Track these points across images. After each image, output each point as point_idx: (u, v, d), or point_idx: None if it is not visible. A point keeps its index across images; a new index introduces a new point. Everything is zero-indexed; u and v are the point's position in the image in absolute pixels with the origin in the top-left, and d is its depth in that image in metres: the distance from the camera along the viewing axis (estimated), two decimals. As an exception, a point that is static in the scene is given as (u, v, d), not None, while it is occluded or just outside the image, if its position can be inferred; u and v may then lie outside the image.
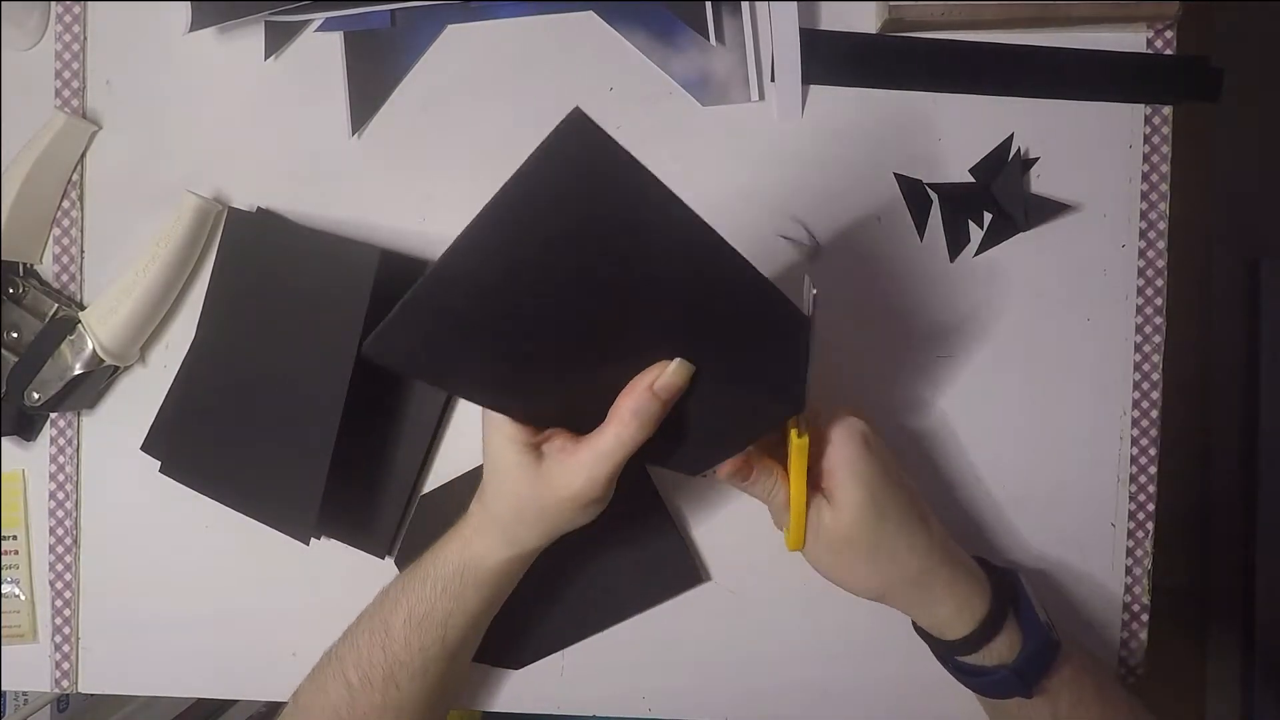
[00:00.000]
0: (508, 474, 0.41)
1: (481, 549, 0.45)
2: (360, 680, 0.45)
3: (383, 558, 0.54)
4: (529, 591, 0.49)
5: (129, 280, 0.52)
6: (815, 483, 0.44)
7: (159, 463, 0.55)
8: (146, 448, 0.55)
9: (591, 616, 0.54)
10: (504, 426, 0.41)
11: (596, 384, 0.39)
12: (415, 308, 0.33)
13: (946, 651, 0.45)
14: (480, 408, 0.41)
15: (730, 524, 0.53)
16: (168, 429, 0.54)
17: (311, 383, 0.50)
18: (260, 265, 0.52)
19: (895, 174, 0.52)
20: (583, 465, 0.40)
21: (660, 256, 0.36)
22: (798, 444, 0.43)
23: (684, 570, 0.53)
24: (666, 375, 0.38)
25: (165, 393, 0.55)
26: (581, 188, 0.33)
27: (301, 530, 0.50)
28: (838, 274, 0.52)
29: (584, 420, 0.40)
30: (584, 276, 0.34)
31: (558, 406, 0.40)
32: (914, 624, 0.48)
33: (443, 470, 0.54)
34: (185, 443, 0.53)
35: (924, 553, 0.44)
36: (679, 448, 0.42)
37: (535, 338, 0.36)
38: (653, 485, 0.53)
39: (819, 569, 0.46)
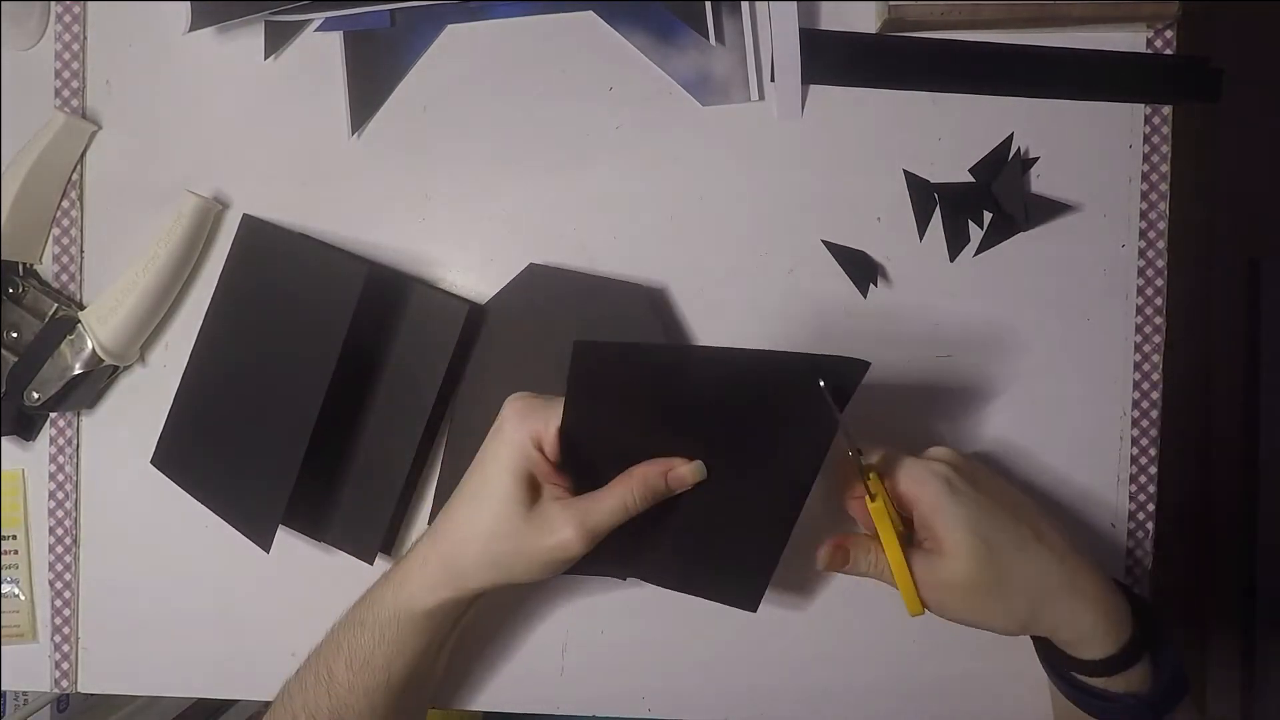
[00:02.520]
0: (491, 505, 0.41)
1: (418, 589, 0.43)
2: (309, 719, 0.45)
3: (370, 562, 0.54)
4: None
5: (129, 280, 0.52)
6: (913, 535, 0.43)
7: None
8: (156, 458, 0.55)
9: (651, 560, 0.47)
10: (514, 454, 0.41)
11: (628, 459, 0.42)
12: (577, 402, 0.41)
13: (1075, 669, 0.43)
14: (497, 428, 0.43)
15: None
16: (168, 430, 0.54)
17: (291, 393, 0.50)
18: (259, 273, 0.52)
19: (905, 171, 0.52)
20: (578, 516, 0.40)
21: (705, 388, 0.41)
22: (874, 509, 0.42)
23: (749, 591, 0.46)
24: (683, 469, 0.42)
25: (164, 392, 0.55)
26: (616, 377, 0.40)
27: (262, 538, 0.50)
28: (838, 275, 0.52)
29: (590, 483, 0.42)
30: (660, 415, 0.42)
31: (592, 464, 0.42)
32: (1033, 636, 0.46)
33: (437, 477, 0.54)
34: (179, 444, 0.54)
35: (1052, 569, 0.42)
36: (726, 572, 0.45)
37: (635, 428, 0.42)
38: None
39: (956, 620, 0.43)
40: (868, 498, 0.42)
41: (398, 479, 0.52)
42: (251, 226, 0.53)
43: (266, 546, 0.50)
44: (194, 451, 0.53)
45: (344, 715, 0.44)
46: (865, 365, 0.39)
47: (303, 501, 0.51)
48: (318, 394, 0.48)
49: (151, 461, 0.54)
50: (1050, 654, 0.45)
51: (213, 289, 0.55)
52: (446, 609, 0.44)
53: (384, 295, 0.51)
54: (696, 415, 0.41)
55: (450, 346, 0.51)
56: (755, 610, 0.44)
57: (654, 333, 0.51)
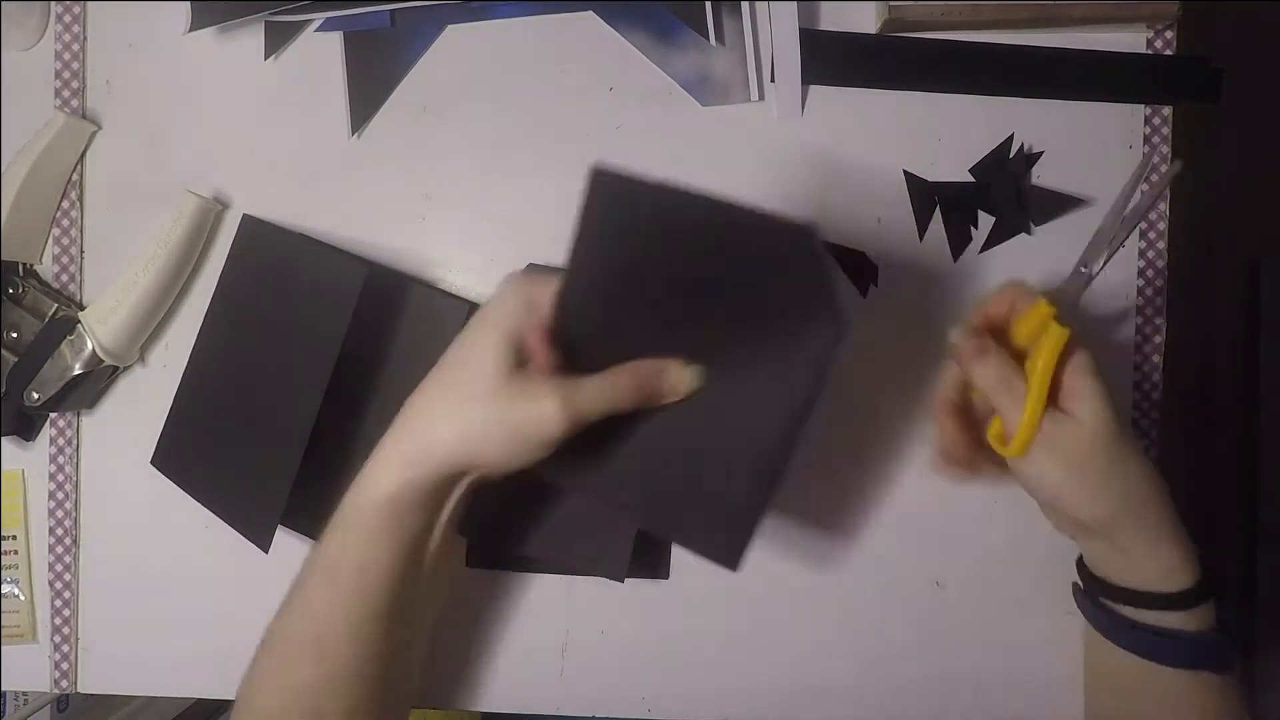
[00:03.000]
0: (472, 367, 0.38)
1: (380, 473, 0.40)
2: (289, 653, 0.41)
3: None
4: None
5: (128, 280, 0.52)
6: (1051, 396, 0.42)
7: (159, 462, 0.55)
8: (156, 459, 0.55)
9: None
10: (506, 316, 0.38)
11: (622, 352, 0.39)
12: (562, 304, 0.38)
13: (1141, 603, 0.43)
14: (495, 293, 0.40)
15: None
16: (167, 431, 0.54)
17: (290, 394, 0.49)
18: (258, 274, 0.52)
19: (905, 171, 0.52)
20: (561, 389, 0.37)
21: (708, 250, 0.37)
22: (1054, 333, 0.40)
23: (731, 543, 0.40)
24: (678, 373, 0.39)
25: (164, 393, 0.55)
26: (630, 222, 0.37)
27: (262, 538, 0.50)
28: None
29: (580, 370, 0.39)
30: (656, 279, 0.38)
31: (589, 345, 0.39)
32: (1080, 570, 0.46)
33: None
34: (178, 445, 0.54)
35: (1150, 482, 0.42)
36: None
37: (623, 307, 0.39)
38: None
39: (1040, 484, 0.42)
40: (1054, 318, 0.41)
41: (292, 460, 0.50)
42: (251, 227, 0.53)
43: (265, 547, 0.50)
44: (193, 452, 0.53)
45: (323, 638, 0.41)
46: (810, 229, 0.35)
47: (302, 501, 0.51)
48: (316, 395, 0.48)
49: (151, 462, 0.54)
50: (1100, 588, 0.44)
51: (213, 289, 0.55)
52: (411, 494, 0.39)
53: (384, 296, 0.51)
54: (699, 303, 0.38)
55: (348, 312, 0.48)
56: (736, 568, 0.39)
57: None
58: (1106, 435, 0.41)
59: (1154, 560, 0.42)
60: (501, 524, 0.50)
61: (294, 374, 0.49)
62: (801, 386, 0.38)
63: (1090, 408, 0.41)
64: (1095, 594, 0.45)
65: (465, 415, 0.38)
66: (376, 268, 0.51)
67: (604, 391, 0.38)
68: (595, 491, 0.42)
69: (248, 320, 0.52)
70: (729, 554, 0.39)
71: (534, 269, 0.52)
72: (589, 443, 0.39)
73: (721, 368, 0.39)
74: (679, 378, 0.39)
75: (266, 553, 0.49)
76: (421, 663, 0.48)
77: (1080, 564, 0.47)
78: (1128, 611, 0.44)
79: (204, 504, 0.53)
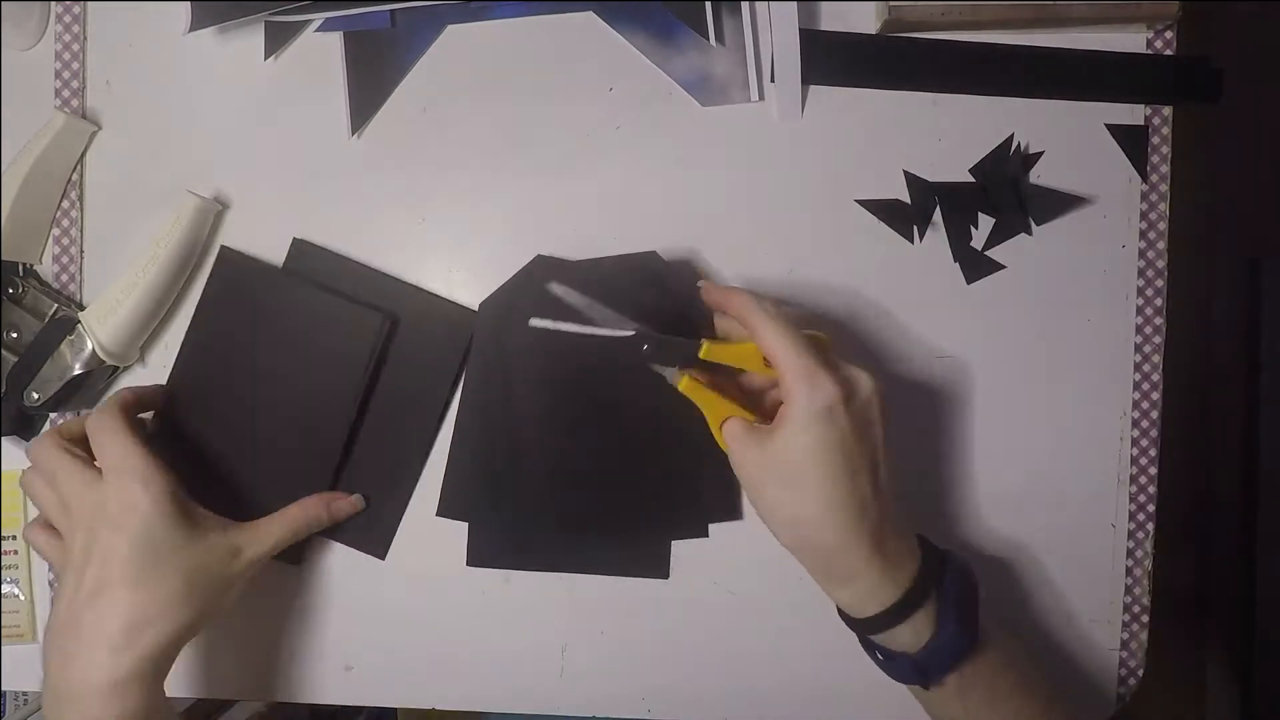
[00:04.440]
0: (146, 523, 0.42)
1: (85, 658, 0.41)
2: None
3: (382, 558, 0.54)
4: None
5: (128, 280, 0.52)
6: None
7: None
8: None
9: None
10: (154, 482, 0.44)
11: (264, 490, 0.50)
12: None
13: (858, 630, 0.44)
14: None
15: (730, 524, 0.53)
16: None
17: (306, 438, 0.52)
18: (249, 311, 0.53)
19: (905, 171, 0.52)
20: (250, 538, 0.46)
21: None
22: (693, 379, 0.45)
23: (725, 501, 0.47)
24: (343, 503, 0.52)
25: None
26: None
27: (291, 553, 0.52)
28: (837, 275, 0.52)
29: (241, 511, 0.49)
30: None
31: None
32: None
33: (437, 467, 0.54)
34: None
35: (845, 528, 0.41)
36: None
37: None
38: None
39: (755, 497, 0.43)
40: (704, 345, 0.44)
41: (410, 478, 0.53)
42: (232, 260, 0.53)
43: (297, 561, 0.53)
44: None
45: None
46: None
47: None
48: (339, 437, 0.52)
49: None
50: (843, 618, 0.45)
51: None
52: (121, 692, 0.41)
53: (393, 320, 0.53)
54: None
55: (460, 354, 0.52)
56: (384, 558, 0.52)
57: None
58: (805, 443, 0.40)
59: (843, 593, 0.43)
60: (537, 525, 0.53)
61: (310, 417, 0.52)
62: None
63: (793, 415, 0.40)
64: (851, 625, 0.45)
65: (172, 585, 0.44)
66: (388, 311, 0.52)
67: (306, 520, 0.50)
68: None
69: (237, 358, 0.53)
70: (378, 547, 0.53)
71: (542, 260, 0.52)
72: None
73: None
74: (341, 509, 0.52)
75: (298, 565, 0.52)
76: None
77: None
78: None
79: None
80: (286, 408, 0.52)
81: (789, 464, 0.41)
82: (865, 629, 0.43)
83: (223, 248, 0.54)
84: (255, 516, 0.50)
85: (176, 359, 0.53)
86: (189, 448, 0.52)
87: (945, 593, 0.42)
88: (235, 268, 0.53)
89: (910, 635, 0.42)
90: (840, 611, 0.45)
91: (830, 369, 0.41)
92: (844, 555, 0.42)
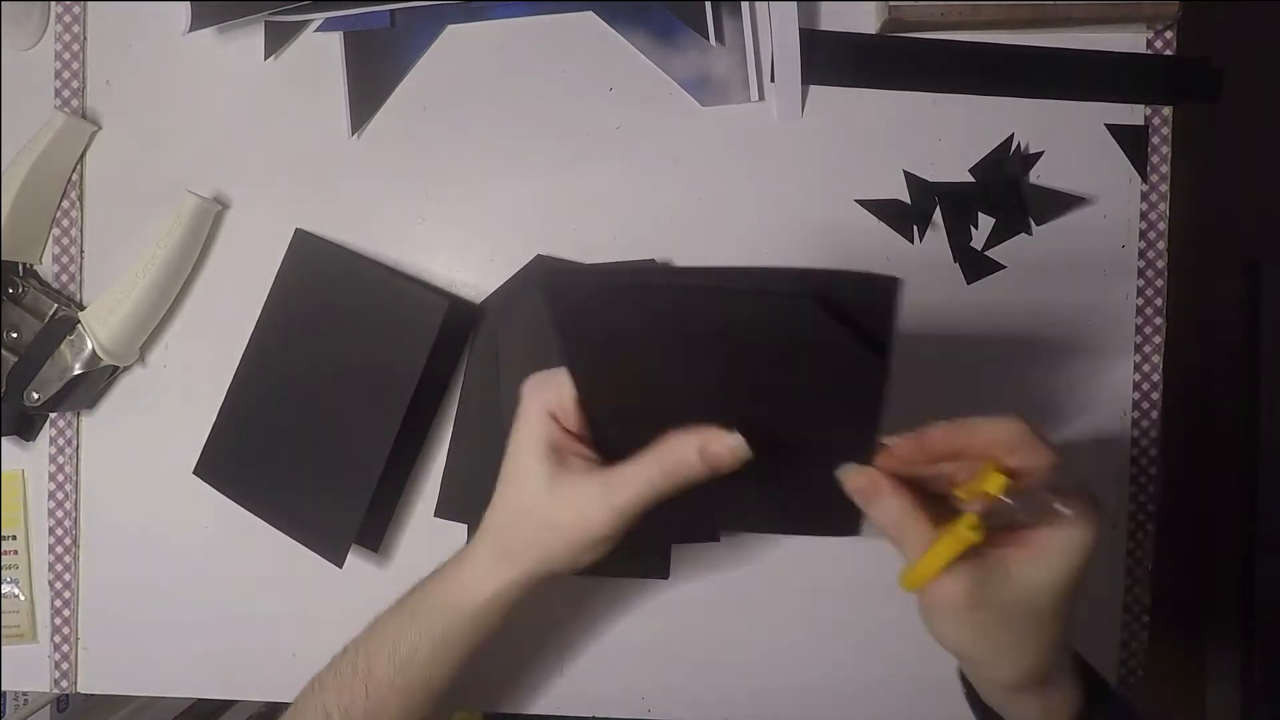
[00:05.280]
0: (521, 479, 0.39)
1: (469, 579, 0.42)
2: (341, 717, 0.43)
3: (376, 549, 0.54)
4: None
5: (128, 280, 0.52)
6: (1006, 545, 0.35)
7: (159, 463, 0.55)
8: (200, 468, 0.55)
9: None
10: (532, 430, 0.39)
11: (659, 424, 0.37)
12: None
13: None
14: (518, 408, 0.40)
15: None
16: (215, 441, 0.54)
17: (363, 421, 0.51)
18: (319, 292, 0.53)
19: (905, 171, 0.52)
20: (604, 494, 0.37)
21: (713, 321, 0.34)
22: (964, 531, 0.33)
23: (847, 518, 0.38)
24: (720, 446, 0.35)
25: (164, 393, 0.56)
26: (605, 316, 0.35)
27: (336, 555, 0.51)
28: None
29: (623, 447, 0.38)
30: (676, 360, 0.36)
31: (621, 420, 0.38)
32: (962, 677, 0.42)
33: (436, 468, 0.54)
34: (228, 456, 0.54)
35: (1059, 646, 0.36)
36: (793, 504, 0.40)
37: (657, 371, 0.36)
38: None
39: (941, 636, 0.36)
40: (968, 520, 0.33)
41: (370, 479, 0.51)
42: (305, 242, 0.54)
43: (340, 563, 0.51)
44: (245, 465, 0.54)
45: (378, 715, 0.42)
46: (894, 282, 0.32)
47: (366, 520, 0.52)
48: (392, 425, 0.50)
49: (194, 471, 0.54)
50: (986, 713, 0.40)
51: (211, 289, 0.55)
52: (498, 600, 0.41)
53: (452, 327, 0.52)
54: (717, 353, 0.35)
55: (429, 343, 0.50)
56: (859, 532, 0.38)
57: None
58: (1057, 597, 0.34)
59: (1039, 705, 0.37)
60: None
61: (368, 400, 0.51)
62: (862, 419, 0.35)
63: (1045, 569, 0.34)
64: (977, 706, 0.41)
65: (528, 531, 0.40)
66: (454, 300, 0.52)
67: (641, 488, 0.37)
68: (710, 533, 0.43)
69: (309, 340, 0.53)
70: (851, 525, 0.38)
71: (542, 259, 0.52)
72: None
73: (771, 403, 0.36)
74: (719, 454, 0.36)
75: (340, 567, 0.51)
76: None
77: (961, 673, 0.42)
78: None
79: (261, 517, 0.53)
80: (350, 383, 0.52)
81: (1028, 601, 0.34)
82: None
83: (297, 230, 0.54)
84: (312, 490, 0.50)
85: (251, 334, 0.54)
86: (258, 419, 0.53)
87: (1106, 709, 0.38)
88: (308, 248, 0.53)
89: None
90: (975, 697, 0.40)
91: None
92: (1052, 676, 0.37)
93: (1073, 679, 0.38)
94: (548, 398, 0.39)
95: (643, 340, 0.35)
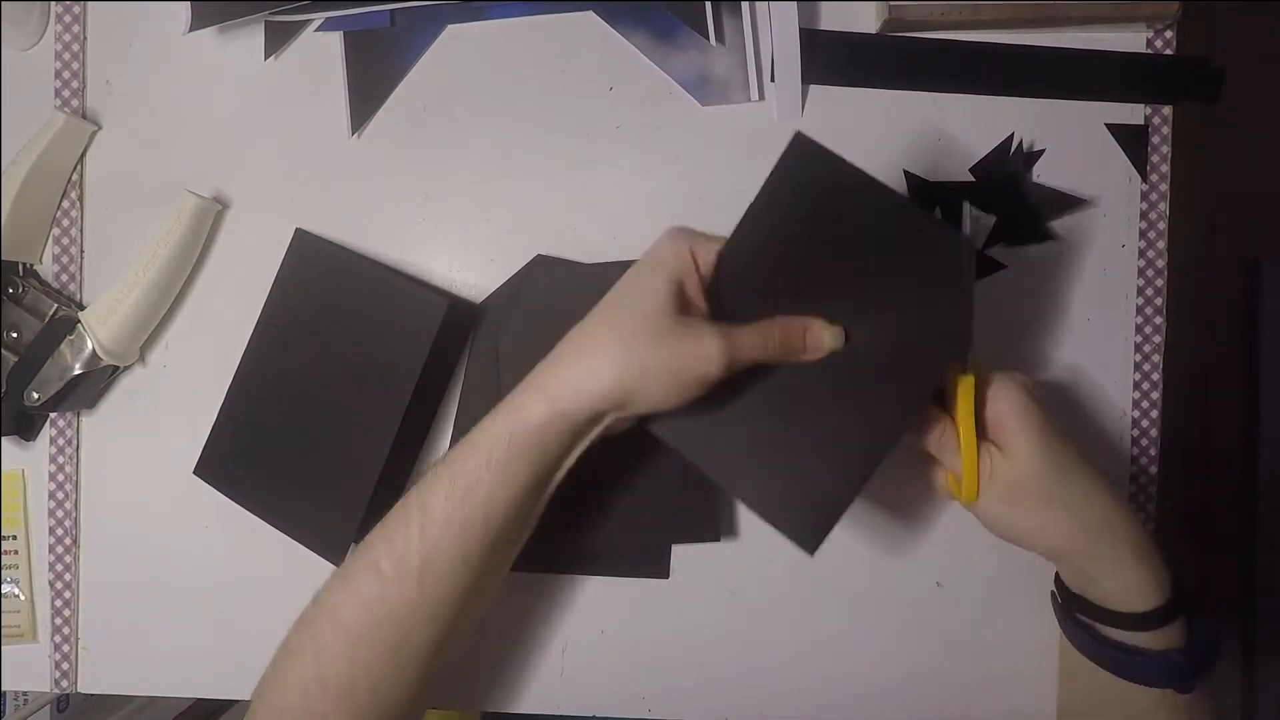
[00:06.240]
0: (641, 306, 0.39)
1: (532, 402, 0.40)
2: (394, 570, 0.40)
3: (337, 563, 0.54)
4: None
5: (128, 280, 0.52)
6: (982, 433, 0.43)
7: (159, 463, 0.55)
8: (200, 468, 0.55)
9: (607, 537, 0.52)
10: (674, 262, 0.40)
11: (772, 308, 0.41)
12: (726, 269, 0.42)
13: (1111, 622, 0.42)
14: (655, 244, 0.42)
15: (729, 524, 0.53)
16: (215, 441, 0.54)
17: (362, 419, 0.51)
18: (319, 291, 0.53)
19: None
20: (723, 331, 0.39)
21: (857, 226, 0.42)
22: (964, 382, 0.42)
23: (814, 524, 0.42)
24: (822, 331, 0.41)
25: (164, 393, 0.56)
26: (810, 194, 0.42)
27: (336, 555, 0.51)
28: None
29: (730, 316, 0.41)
30: (809, 244, 0.42)
31: (737, 305, 0.41)
32: (1057, 583, 0.46)
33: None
34: (228, 455, 0.54)
35: (1105, 503, 0.42)
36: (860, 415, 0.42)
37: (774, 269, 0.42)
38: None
39: (995, 524, 0.43)
40: (959, 373, 0.42)
41: (369, 478, 0.51)
42: (305, 242, 0.53)
43: (339, 562, 0.50)
44: (246, 464, 0.53)
45: (435, 563, 0.40)
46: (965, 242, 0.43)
47: (285, 498, 0.52)
48: (392, 423, 0.50)
49: (194, 471, 0.54)
50: (1076, 604, 0.44)
51: (211, 289, 0.55)
52: (561, 424, 0.39)
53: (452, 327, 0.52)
54: (848, 286, 0.41)
55: (429, 343, 0.50)
56: (812, 552, 0.40)
57: None
58: (1038, 463, 0.41)
59: (1118, 581, 0.42)
60: (545, 526, 0.49)
61: (367, 400, 0.51)
62: (914, 391, 0.41)
63: (1018, 441, 0.42)
64: (1070, 608, 0.45)
65: (630, 351, 0.38)
66: (454, 300, 0.52)
67: (757, 338, 0.40)
68: (696, 458, 0.43)
69: (308, 340, 0.52)
70: (809, 537, 0.41)
71: (542, 259, 0.52)
72: (705, 403, 0.40)
73: (848, 355, 0.42)
74: (822, 335, 0.41)
75: (338, 566, 0.49)
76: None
77: (1057, 578, 0.47)
78: (1098, 627, 0.44)
79: (261, 517, 0.53)
80: (350, 382, 0.51)
81: (1044, 471, 0.42)
82: (1140, 623, 0.42)
83: (297, 230, 0.53)
84: (311, 490, 0.51)
85: (251, 334, 0.53)
86: (258, 419, 0.53)
87: (1192, 595, 0.43)
88: (309, 248, 0.53)
89: (1175, 633, 0.42)
90: (1084, 605, 0.44)
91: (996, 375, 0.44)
92: (1124, 538, 0.42)
93: (1152, 571, 0.42)
94: (695, 239, 0.41)
95: (826, 219, 0.42)
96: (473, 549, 0.41)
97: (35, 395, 0.52)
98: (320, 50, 0.54)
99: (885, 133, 0.52)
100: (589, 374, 0.39)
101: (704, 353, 0.38)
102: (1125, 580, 0.42)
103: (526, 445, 0.40)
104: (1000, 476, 0.42)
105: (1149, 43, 0.51)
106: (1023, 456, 0.41)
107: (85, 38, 0.55)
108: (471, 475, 0.40)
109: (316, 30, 0.54)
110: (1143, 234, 0.52)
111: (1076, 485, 0.42)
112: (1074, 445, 0.43)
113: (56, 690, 0.57)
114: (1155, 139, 0.52)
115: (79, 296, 0.56)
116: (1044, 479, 0.41)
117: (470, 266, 0.54)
